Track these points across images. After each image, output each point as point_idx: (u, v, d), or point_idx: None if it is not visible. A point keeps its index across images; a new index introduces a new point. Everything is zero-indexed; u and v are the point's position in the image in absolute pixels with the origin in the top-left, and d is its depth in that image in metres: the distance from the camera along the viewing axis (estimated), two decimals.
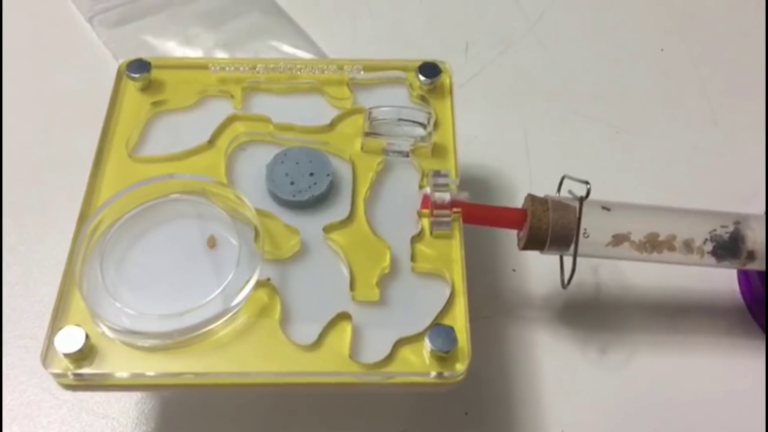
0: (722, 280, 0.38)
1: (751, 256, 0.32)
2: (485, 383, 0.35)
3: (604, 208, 0.33)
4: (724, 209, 0.33)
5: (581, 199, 0.31)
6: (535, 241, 0.32)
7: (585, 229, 0.32)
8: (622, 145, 0.44)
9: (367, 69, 0.37)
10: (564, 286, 0.33)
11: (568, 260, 0.33)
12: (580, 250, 0.32)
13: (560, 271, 0.33)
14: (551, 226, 0.31)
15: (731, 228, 0.33)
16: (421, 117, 0.33)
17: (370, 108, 0.34)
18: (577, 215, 0.31)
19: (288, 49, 0.45)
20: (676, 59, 0.49)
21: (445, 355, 0.28)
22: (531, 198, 0.32)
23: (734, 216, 0.33)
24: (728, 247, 0.32)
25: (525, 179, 0.42)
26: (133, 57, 0.36)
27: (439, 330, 0.28)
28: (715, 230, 0.33)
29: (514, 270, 0.38)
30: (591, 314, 0.37)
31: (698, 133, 0.45)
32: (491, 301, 0.37)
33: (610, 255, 0.33)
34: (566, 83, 0.47)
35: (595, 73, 0.48)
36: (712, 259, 0.33)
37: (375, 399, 0.34)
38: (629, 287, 0.38)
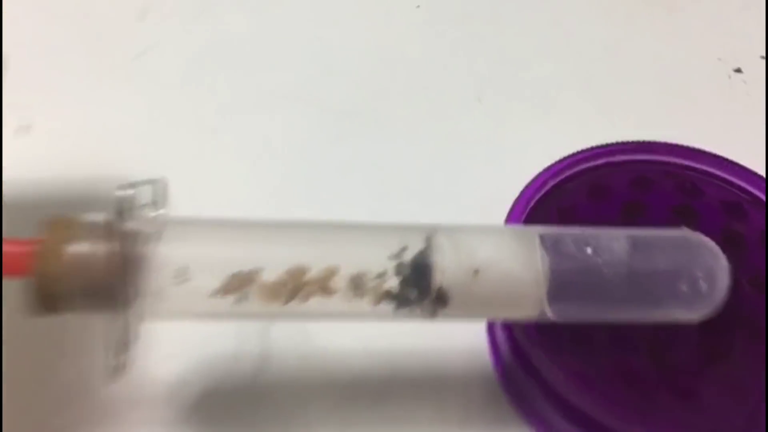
0: (468, 337, 0.24)
1: (441, 299, 0.18)
2: None
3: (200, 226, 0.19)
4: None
5: (118, 215, 0.17)
6: (48, 299, 0.17)
7: (182, 270, 0.18)
8: (338, 134, 0.30)
9: None
10: (113, 374, 0.18)
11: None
12: (167, 306, 0.18)
13: (118, 350, 0.18)
14: (74, 269, 0.17)
15: (420, 248, 0.19)
16: None
17: None
18: (127, 249, 0.17)
19: None
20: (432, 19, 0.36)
21: None
22: (50, 224, 0.18)
23: (427, 228, 0.19)
24: (414, 284, 0.18)
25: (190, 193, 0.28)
26: None
27: None
28: (398, 255, 0.19)
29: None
30: (242, 406, 0.23)
31: (463, 113, 0.32)
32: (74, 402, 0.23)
33: (221, 313, 0.19)
34: (276, 55, 0.33)
35: (320, 46, 0.34)
36: (389, 308, 0.19)
37: None
38: (313, 354, 0.24)
